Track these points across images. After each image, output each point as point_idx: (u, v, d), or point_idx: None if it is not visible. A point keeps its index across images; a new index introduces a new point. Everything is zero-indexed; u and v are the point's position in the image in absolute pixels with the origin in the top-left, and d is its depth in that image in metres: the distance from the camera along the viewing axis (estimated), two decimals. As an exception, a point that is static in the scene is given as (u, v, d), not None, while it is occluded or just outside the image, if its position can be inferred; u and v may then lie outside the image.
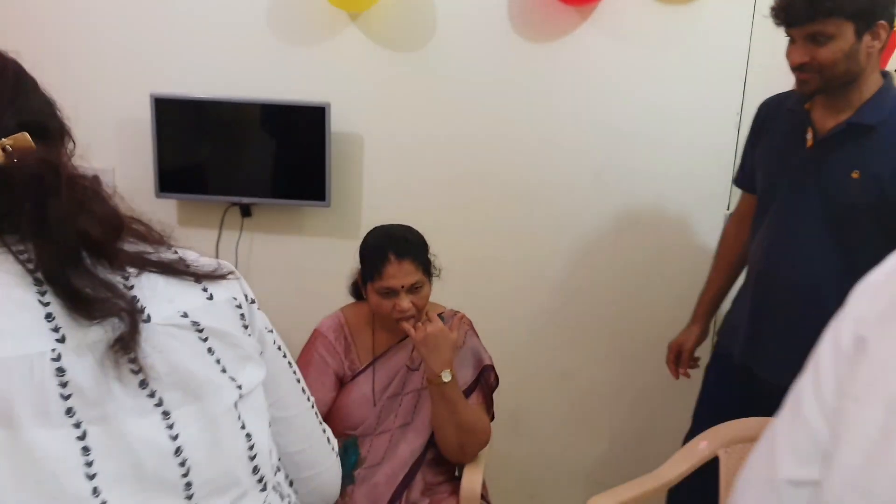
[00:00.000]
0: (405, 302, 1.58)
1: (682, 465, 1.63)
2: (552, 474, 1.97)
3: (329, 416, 1.67)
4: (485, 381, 1.73)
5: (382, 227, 1.69)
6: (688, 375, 1.95)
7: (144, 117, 2.17)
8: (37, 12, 2.27)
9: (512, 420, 2.34)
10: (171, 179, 2.23)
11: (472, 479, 1.70)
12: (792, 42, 1.50)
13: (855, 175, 1.50)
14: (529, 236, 2.25)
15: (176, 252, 0.82)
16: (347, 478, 1.63)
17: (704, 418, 1.84)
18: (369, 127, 2.24)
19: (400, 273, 1.57)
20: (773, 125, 1.70)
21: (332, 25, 2.17)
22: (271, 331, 0.93)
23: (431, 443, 1.68)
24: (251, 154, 2.23)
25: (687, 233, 2.23)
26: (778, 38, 2.07)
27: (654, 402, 2.35)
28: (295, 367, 0.96)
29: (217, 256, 2.50)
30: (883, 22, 1.42)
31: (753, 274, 1.72)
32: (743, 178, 1.86)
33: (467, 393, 1.69)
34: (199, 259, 0.84)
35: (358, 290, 1.77)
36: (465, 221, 2.25)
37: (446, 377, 1.55)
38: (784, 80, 2.08)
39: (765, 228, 1.68)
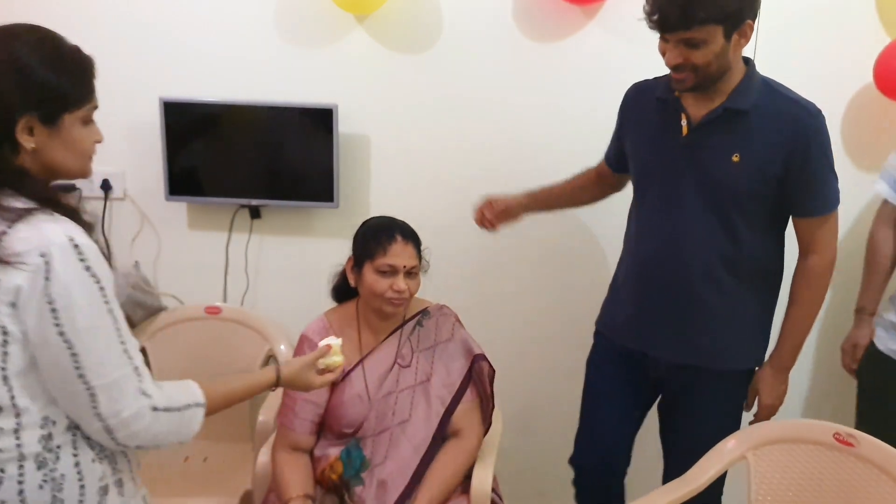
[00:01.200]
0: (402, 283, 1.64)
1: (711, 468, 1.60)
2: (562, 472, 1.98)
3: (326, 416, 1.69)
4: (478, 371, 1.74)
5: (381, 216, 1.77)
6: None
7: (154, 121, 2.19)
8: (43, 18, 2.29)
9: (521, 418, 2.35)
10: (181, 182, 2.25)
11: (482, 477, 1.71)
12: (665, 42, 1.54)
13: (735, 158, 1.56)
14: (538, 236, 2.26)
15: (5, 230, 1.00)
16: (355, 479, 1.65)
17: (596, 410, 1.88)
18: (376, 128, 2.25)
19: (404, 253, 1.64)
20: (643, 114, 1.74)
21: (339, 28, 2.18)
22: (62, 333, 1.02)
23: (436, 439, 1.69)
24: (260, 156, 2.25)
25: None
26: (783, 37, 2.08)
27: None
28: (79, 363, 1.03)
29: (227, 258, 2.53)
30: (749, 21, 1.50)
31: (637, 261, 1.75)
32: (610, 153, 1.92)
33: (462, 388, 1.70)
34: (13, 244, 1.00)
35: (340, 292, 1.80)
36: (472, 222, 2.26)
37: None
38: (790, 78, 2.10)
39: (645, 216, 1.73)
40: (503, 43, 2.16)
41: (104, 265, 1.06)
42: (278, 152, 2.24)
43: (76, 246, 1.02)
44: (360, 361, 1.70)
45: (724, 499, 1.83)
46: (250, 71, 2.24)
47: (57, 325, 1.01)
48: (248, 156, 2.25)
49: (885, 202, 1.93)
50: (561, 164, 2.21)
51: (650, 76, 2.12)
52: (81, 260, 1.02)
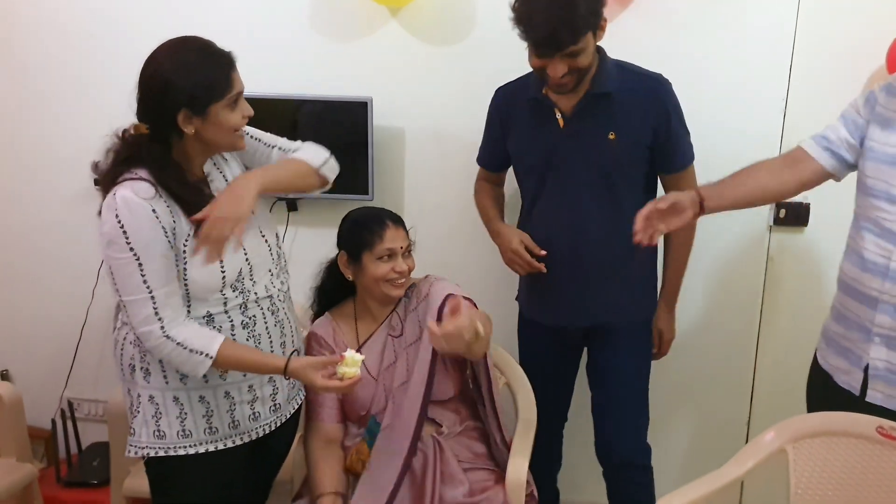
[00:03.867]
0: (402, 263, 1.73)
1: (749, 461, 1.56)
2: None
3: (343, 405, 1.77)
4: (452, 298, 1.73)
5: (361, 207, 1.85)
6: None
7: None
8: (78, 21, 2.36)
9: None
10: (220, 175, 2.28)
11: (518, 467, 1.71)
12: (545, 59, 1.63)
13: (611, 136, 1.76)
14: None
15: None
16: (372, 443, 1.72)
17: (531, 373, 1.98)
18: (411, 120, 2.26)
19: (398, 236, 1.74)
20: (519, 115, 1.87)
21: (373, 21, 2.20)
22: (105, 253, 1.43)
23: (432, 376, 1.69)
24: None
25: (730, 220, 2.20)
26: (823, 26, 2.04)
27: (700, 397, 2.33)
28: None
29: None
30: (605, 17, 1.65)
31: (545, 245, 1.86)
32: (488, 157, 2.04)
33: (440, 311, 1.71)
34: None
35: (327, 291, 1.84)
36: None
37: (481, 348, 1.63)
38: (830, 67, 2.06)
39: (544, 204, 1.87)
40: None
41: (139, 214, 1.34)
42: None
43: (116, 200, 1.35)
44: (359, 348, 1.76)
45: (764, 493, 1.80)
46: (286, 65, 2.27)
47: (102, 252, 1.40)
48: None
49: (801, 148, 1.64)
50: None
51: (686, 65, 2.11)
52: (115, 209, 1.34)
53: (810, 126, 1.69)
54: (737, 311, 2.27)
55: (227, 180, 1.53)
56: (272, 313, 1.55)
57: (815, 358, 1.73)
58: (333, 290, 1.85)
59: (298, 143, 1.66)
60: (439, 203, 2.32)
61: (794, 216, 2.19)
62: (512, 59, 2.15)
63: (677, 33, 2.12)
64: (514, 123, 1.88)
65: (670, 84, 1.80)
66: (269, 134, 1.64)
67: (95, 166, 1.45)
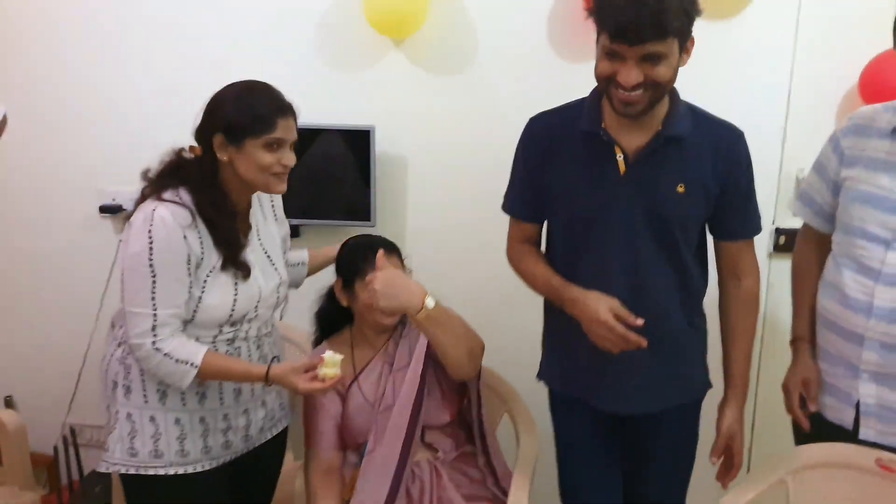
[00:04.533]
0: None
1: (749, 492, 1.56)
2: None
3: (342, 433, 1.75)
4: None
5: (358, 235, 1.85)
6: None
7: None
8: (85, 53, 2.39)
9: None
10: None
11: (519, 497, 1.70)
12: (618, 61, 1.36)
13: (681, 189, 1.48)
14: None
15: None
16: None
17: (577, 464, 1.73)
18: (413, 148, 2.28)
19: (388, 264, 1.69)
20: (566, 151, 1.53)
21: (377, 51, 2.23)
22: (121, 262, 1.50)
23: (421, 391, 1.69)
24: (299, 176, 2.28)
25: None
26: (822, 54, 2.07)
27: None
28: None
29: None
30: (693, 37, 1.41)
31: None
32: (521, 206, 1.65)
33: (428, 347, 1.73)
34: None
35: (326, 316, 1.86)
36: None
37: (431, 302, 1.59)
38: (829, 93, 2.08)
39: (592, 262, 1.54)
40: (537, 64, 2.18)
41: (171, 237, 1.40)
42: (317, 173, 2.28)
43: (153, 216, 1.40)
44: (356, 377, 1.75)
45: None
46: (291, 93, 2.28)
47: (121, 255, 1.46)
48: (289, 176, 2.29)
49: (806, 224, 1.74)
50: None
51: (685, 93, 2.11)
52: (150, 224, 1.40)
53: (810, 154, 1.72)
54: None
55: (259, 237, 1.60)
56: (257, 348, 1.61)
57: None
58: (332, 317, 1.86)
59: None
60: (440, 231, 2.33)
61: (793, 243, 2.18)
62: (513, 88, 2.21)
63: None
64: (557, 161, 1.54)
65: (744, 136, 1.55)
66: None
67: (145, 173, 1.51)
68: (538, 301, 2.32)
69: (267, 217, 1.66)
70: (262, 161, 1.46)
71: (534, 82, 2.19)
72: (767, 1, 2.07)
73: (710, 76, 2.13)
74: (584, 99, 1.54)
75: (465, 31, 2.19)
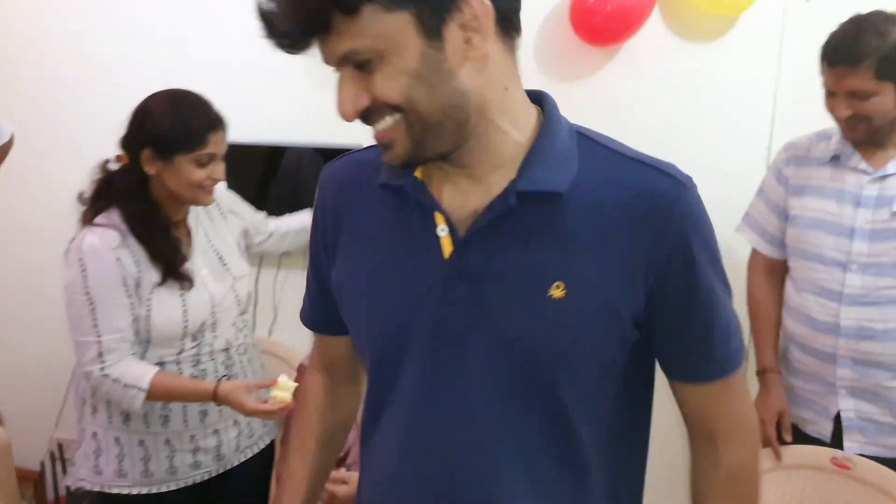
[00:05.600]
0: None
1: None
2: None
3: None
4: None
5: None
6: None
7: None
8: (72, 64, 2.41)
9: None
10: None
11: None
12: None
13: (557, 292, 0.78)
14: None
15: None
16: None
17: None
18: (401, 166, 2.29)
19: None
20: (360, 216, 0.90)
21: (366, 70, 2.25)
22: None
23: None
24: (289, 195, 2.31)
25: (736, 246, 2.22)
26: (806, 76, 2.10)
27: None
28: None
29: (256, 291, 2.57)
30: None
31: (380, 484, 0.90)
32: (310, 309, 1.03)
33: None
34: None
35: None
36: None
37: None
38: (812, 114, 2.10)
39: (384, 427, 0.89)
40: (525, 83, 2.19)
41: (102, 263, 1.40)
42: (307, 191, 2.30)
43: (83, 244, 1.42)
44: None
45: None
46: (278, 112, 2.32)
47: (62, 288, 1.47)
48: (279, 195, 2.31)
49: (755, 251, 1.80)
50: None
51: (670, 115, 2.16)
52: (80, 253, 1.41)
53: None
54: None
55: (208, 239, 1.58)
56: (226, 367, 1.58)
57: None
58: None
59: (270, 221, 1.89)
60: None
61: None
62: None
63: (661, 83, 2.17)
64: (347, 235, 0.93)
65: (693, 187, 0.84)
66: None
67: (80, 196, 1.51)
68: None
69: (213, 217, 1.63)
70: (192, 176, 1.44)
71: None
72: (750, 24, 2.10)
73: (691, 99, 2.17)
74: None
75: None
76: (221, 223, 1.65)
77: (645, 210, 0.80)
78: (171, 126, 1.42)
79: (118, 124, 1.48)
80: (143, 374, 1.45)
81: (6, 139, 1.99)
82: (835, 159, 1.60)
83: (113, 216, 1.45)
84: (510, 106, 0.80)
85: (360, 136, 2.23)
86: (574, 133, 0.85)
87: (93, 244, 1.41)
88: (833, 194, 1.58)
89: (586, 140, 0.85)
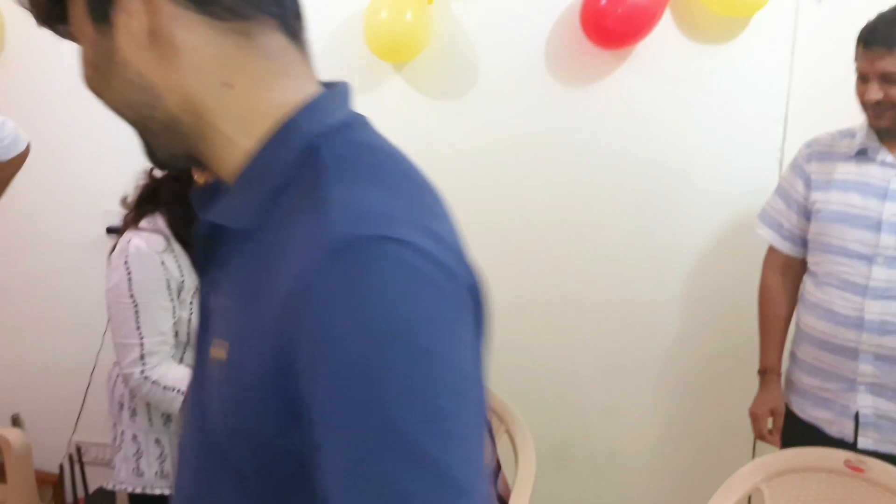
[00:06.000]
0: None
1: (727, 501, 1.60)
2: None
3: None
4: None
5: None
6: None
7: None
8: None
9: (557, 458, 2.34)
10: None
11: (516, 515, 1.71)
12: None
13: (218, 353, 0.62)
14: (570, 276, 2.28)
15: None
16: None
17: None
18: (413, 171, 2.31)
19: None
20: None
21: (378, 76, 2.27)
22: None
23: None
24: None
25: (730, 270, 2.23)
26: (819, 77, 2.09)
27: (701, 439, 2.32)
28: None
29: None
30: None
31: None
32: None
33: None
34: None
35: None
36: (508, 263, 2.29)
37: None
38: (826, 116, 2.09)
39: None
40: (536, 88, 2.21)
41: (148, 266, 1.43)
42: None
43: (129, 247, 1.44)
44: None
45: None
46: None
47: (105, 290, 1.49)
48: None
49: (772, 248, 1.81)
50: (595, 203, 2.24)
51: (682, 117, 2.16)
52: (126, 256, 1.44)
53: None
54: (740, 328, 2.24)
55: None
56: None
57: (788, 410, 1.76)
58: None
59: None
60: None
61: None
62: (512, 113, 2.24)
63: (672, 85, 2.17)
64: None
65: (351, 267, 0.52)
66: None
67: (124, 200, 1.55)
68: (536, 322, 2.36)
69: None
70: None
71: (532, 105, 2.22)
72: (763, 24, 2.10)
73: (703, 101, 2.16)
74: None
75: (464, 57, 2.22)
76: None
77: (291, 280, 0.55)
78: None
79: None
80: (183, 376, 1.48)
81: (23, 148, 2.02)
82: (860, 154, 1.61)
83: (158, 221, 1.49)
84: (235, 107, 0.63)
85: None
86: (309, 147, 0.63)
87: (139, 247, 1.44)
88: (858, 187, 1.58)
89: (314, 158, 0.62)
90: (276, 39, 0.65)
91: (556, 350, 2.34)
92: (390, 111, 2.28)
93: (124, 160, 1.55)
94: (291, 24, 0.66)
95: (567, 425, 2.36)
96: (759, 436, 1.79)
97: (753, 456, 2.29)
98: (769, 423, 1.79)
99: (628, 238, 2.24)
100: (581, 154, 2.22)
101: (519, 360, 2.31)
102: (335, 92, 0.70)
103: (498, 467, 1.79)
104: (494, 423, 1.96)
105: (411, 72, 2.26)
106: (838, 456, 1.60)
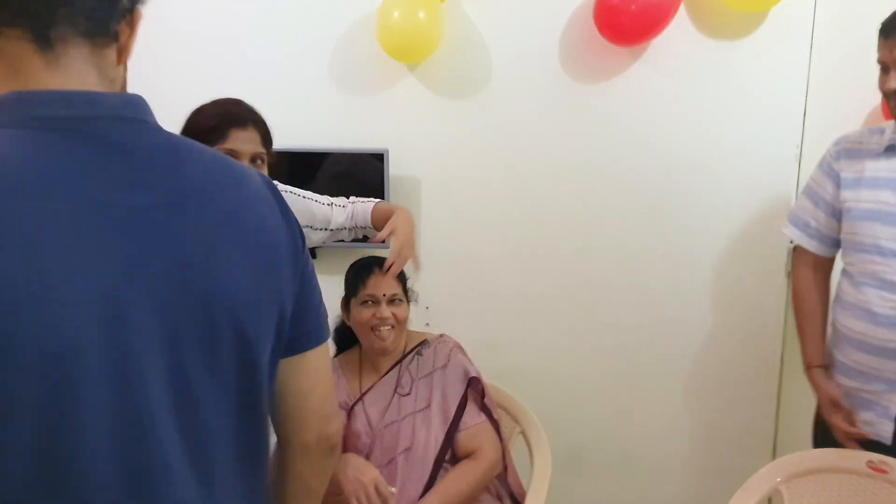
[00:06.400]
0: (386, 310, 1.71)
1: (747, 502, 1.59)
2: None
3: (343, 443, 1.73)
4: (473, 391, 1.75)
5: (363, 257, 1.84)
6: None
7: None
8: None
9: (572, 459, 2.32)
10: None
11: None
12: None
13: None
14: (584, 276, 2.26)
15: None
16: None
17: None
18: (426, 170, 2.30)
19: (382, 283, 1.72)
20: None
21: (391, 76, 2.26)
22: None
23: (439, 462, 1.68)
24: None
25: (748, 268, 2.19)
26: (839, 72, 2.06)
27: (719, 441, 2.29)
28: None
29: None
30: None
31: None
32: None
33: (459, 412, 1.71)
34: None
35: (342, 336, 1.86)
36: (520, 260, 2.28)
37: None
38: (845, 112, 2.07)
39: None
40: (550, 86, 2.19)
41: None
42: (333, 196, 2.31)
43: None
44: (361, 397, 1.75)
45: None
46: (306, 119, 2.33)
47: None
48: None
49: (798, 248, 1.80)
50: (609, 201, 2.22)
51: (698, 114, 2.14)
52: None
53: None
54: (759, 328, 2.24)
55: None
56: None
57: (818, 413, 1.72)
58: (344, 336, 1.87)
59: (345, 199, 1.82)
60: (453, 253, 2.34)
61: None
62: (525, 110, 2.23)
63: (688, 82, 2.14)
64: None
65: None
66: (316, 194, 1.77)
67: None
68: (551, 322, 2.34)
69: None
70: None
71: (546, 103, 2.20)
72: (780, 19, 2.07)
73: (720, 98, 2.13)
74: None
75: (478, 55, 2.21)
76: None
77: None
78: (197, 118, 1.49)
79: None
80: None
81: None
82: (889, 149, 1.57)
83: None
84: None
85: (386, 140, 2.27)
86: None
87: None
88: (889, 184, 1.55)
89: None
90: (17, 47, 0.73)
91: (570, 351, 2.32)
92: (403, 110, 2.28)
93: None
94: (46, 34, 0.73)
95: (583, 427, 2.33)
96: (842, 438, 1.64)
97: (774, 457, 2.26)
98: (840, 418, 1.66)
99: (644, 237, 2.22)
100: (595, 152, 2.20)
101: (533, 361, 2.29)
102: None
103: (505, 467, 1.77)
104: (509, 423, 1.95)
105: (424, 71, 2.25)
106: (860, 457, 1.57)
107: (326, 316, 0.98)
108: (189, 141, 0.83)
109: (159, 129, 0.81)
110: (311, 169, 2.30)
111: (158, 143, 0.79)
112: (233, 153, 1.45)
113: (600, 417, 2.33)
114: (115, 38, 0.78)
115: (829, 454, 1.63)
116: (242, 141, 1.47)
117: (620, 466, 2.16)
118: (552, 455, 1.95)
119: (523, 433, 1.95)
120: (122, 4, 0.78)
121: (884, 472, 1.55)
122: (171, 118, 1.45)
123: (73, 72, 0.75)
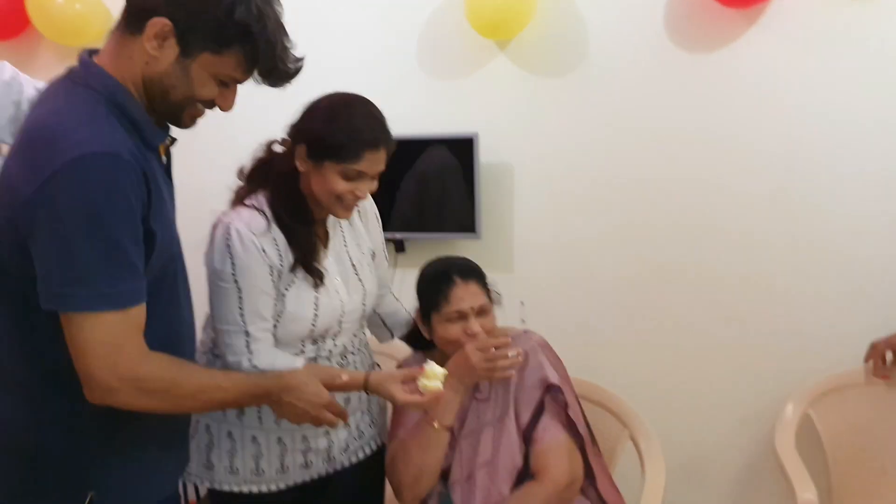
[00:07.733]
0: (476, 325, 1.54)
1: (784, 437, 1.79)
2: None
3: None
4: (553, 402, 1.59)
5: (438, 258, 1.67)
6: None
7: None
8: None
9: (685, 471, 2.15)
10: (327, 218, 2.30)
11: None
12: None
13: None
14: (698, 266, 2.08)
15: None
16: None
17: None
18: (520, 155, 2.20)
19: (468, 295, 1.55)
20: (156, 175, 1.19)
21: (481, 56, 2.18)
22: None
23: (523, 475, 1.55)
24: (402, 189, 2.25)
25: (889, 258, 1.94)
26: None
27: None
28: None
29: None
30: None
31: None
32: (139, 281, 1.11)
33: (532, 422, 1.57)
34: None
35: (415, 337, 1.71)
36: (626, 250, 2.13)
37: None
38: None
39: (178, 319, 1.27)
40: (654, 56, 2.06)
41: (250, 251, 1.38)
42: (420, 185, 2.24)
43: (231, 231, 1.39)
44: None
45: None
46: (393, 105, 2.24)
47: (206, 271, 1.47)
48: (392, 190, 2.26)
49: None
50: (725, 183, 2.04)
51: (823, 84, 1.95)
52: (228, 240, 1.38)
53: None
54: None
55: (345, 245, 1.55)
56: (340, 367, 1.54)
57: None
58: (419, 336, 1.73)
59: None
60: (550, 243, 2.22)
61: None
62: (628, 85, 2.09)
63: (811, 50, 1.94)
64: (156, 194, 1.17)
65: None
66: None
67: (240, 172, 1.51)
68: (661, 317, 2.16)
69: (354, 224, 1.59)
70: (335, 187, 1.39)
71: (650, 77, 2.06)
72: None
73: (847, 65, 1.92)
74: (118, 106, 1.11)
75: (573, 27, 2.09)
76: (362, 231, 1.61)
77: None
78: (331, 131, 1.39)
79: (239, 121, 1.46)
80: (291, 363, 1.41)
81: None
82: None
83: (261, 199, 1.45)
84: None
85: (475, 124, 2.16)
86: None
87: (240, 231, 1.39)
88: None
89: None
90: None
91: (686, 353, 2.15)
92: (493, 91, 2.19)
93: (225, 157, 1.52)
94: None
95: (700, 435, 2.16)
96: (876, 370, 1.85)
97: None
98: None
99: (762, 231, 2.03)
100: (708, 131, 2.04)
101: (643, 360, 2.13)
102: None
103: (592, 473, 1.61)
104: (615, 427, 1.78)
105: (516, 49, 2.15)
106: (867, 369, 1.84)
107: None
108: None
109: None
110: (394, 157, 2.22)
111: None
112: (360, 174, 1.41)
113: (720, 425, 2.15)
114: None
115: (840, 376, 1.82)
116: (372, 163, 1.42)
117: (742, 479, 1.95)
118: (666, 464, 1.77)
119: (632, 438, 1.80)
120: None
121: (887, 377, 1.79)
122: (261, 103, 1.43)
123: None
